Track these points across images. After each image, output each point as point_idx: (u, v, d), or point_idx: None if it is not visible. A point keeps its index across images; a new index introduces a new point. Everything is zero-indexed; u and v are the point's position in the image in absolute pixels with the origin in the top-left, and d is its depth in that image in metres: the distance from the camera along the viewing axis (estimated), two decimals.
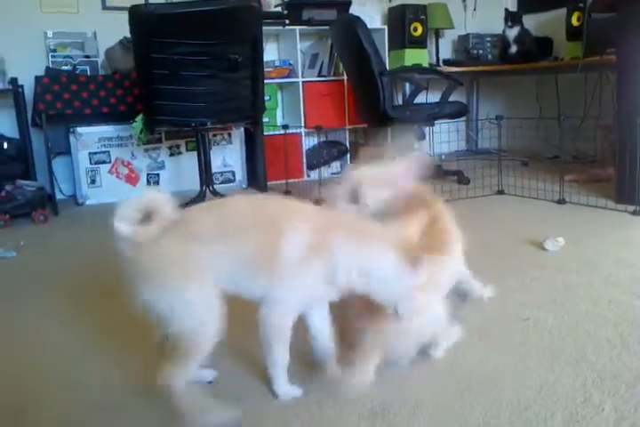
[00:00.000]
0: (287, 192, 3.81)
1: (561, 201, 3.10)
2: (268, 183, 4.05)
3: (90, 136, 3.77)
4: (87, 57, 3.87)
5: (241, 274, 1.18)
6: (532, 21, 4.75)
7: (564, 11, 4.32)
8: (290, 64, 4.33)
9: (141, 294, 1.14)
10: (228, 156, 4.17)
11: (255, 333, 1.24)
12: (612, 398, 1.22)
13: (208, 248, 1.15)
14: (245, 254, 1.17)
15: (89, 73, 3.82)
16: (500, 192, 3.48)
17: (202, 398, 1.18)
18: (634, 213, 2.80)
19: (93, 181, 3.82)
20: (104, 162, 3.84)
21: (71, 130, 3.72)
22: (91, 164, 3.80)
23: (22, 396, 1.37)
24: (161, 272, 1.13)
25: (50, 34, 3.80)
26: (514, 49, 4.59)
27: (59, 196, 3.78)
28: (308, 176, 4.39)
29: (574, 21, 4.18)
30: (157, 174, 3.98)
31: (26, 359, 1.58)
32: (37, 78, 3.46)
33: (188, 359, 1.15)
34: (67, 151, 3.82)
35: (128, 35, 3.14)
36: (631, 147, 2.85)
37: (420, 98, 4.27)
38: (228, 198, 1.28)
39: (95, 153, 3.81)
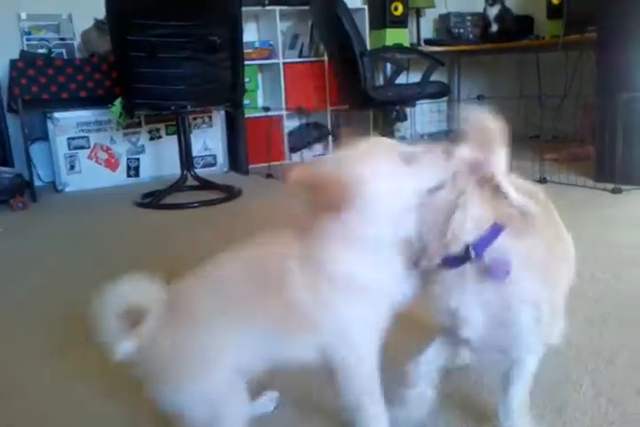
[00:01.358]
0: (269, 175, 3.80)
1: (541, 180, 3.12)
2: (250, 166, 4.03)
3: (68, 121, 3.71)
4: (63, 40, 3.79)
5: (276, 341, 0.98)
6: (512, 0, 4.73)
7: None
8: (270, 45, 4.28)
9: (160, 400, 0.99)
10: (209, 139, 4.13)
11: None
12: (589, 374, 1.24)
13: (217, 329, 0.97)
14: (266, 320, 0.97)
15: (65, 56, 3.75)
16: None
17: None
18: (613, 191, 2.82)
19: (72, 167, 3.78)
20: (83, 147, 3.79)
21: (48, 115, 3.66)
22: (69, 149, 3.75)
23: None
24: (170, 373, 0.97)
25: (24, 16, 3.72)
26: (494, 28, 4.57)
27: (37, 182, 3.73)
28: (290, 159, 4.37)
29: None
30: (137, 159, 3.94)
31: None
32: (12, 62, 3.39)
33: None
34: (44, 137, 3.76)
35: (101, 17, 3.08)
36: (610, 125, 2.86)
37: (402, 78, 4.25)
38: (214, 265, 1.05)
39: (74, 138, 3.75)
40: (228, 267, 1.03)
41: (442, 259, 0.93)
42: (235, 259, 1.03)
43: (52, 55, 3.66)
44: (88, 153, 3.80)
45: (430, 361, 1.06)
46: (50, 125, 3.67)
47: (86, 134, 3.78)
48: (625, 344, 1.35)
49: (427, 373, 1.05)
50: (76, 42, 3.82)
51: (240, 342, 0.97)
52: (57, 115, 3.67)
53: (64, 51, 3.76)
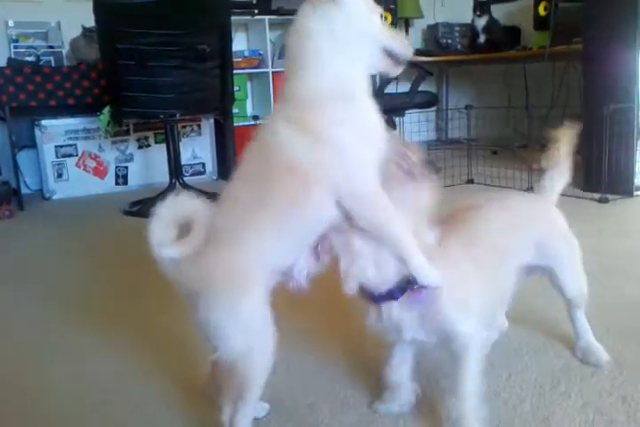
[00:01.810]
0: None
1: (529, 189, 3.13)
2: None
3: (55, 129, 3.69)
4: (51, 47, 3.78)
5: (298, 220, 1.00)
6: (500, 11, 4.78)
7: (531, 0, 4.35)
8: (259, 54, 4.30)
9: (195, 316, 1.00)
10: (198, 147, 4.13)
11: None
12: (578, 384, 1.24)
13: (251, 243, 1.00)
14: None
15: (53, 64, 3.73)
16: (470, 181, 3.51)
17: None
18: (600, 200, 2.84)
19: (60, 175, 3.76)
20: (71, 155, 3.77)
21: (36, 122, 3.64)
22: (57, 157, 3.73)
23: None
24: (209, 290, 0.98)
25: (11, 23, 3.70)
26: (482, 38, 4.62)
27: (24, 190, 3.70)
28: None
29: (541, 11, 4.21)
30: (126, 167, 3.93)
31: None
32: None
33: (245, 391, 1.01)
34: (32, 144, 3.74)
35: (90, 25, 3.08)
36: (597, 135, 2.89)
37: (390, 88, 4.27)
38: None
39: (61, 146, 3.74)
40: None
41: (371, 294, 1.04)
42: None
43: (41, 63, 3.65)
44: (76, 161, 3.79)
45: (400, 362, 1.17)
46: (37, 133, 3.66)
47: (74, 142, 3.76)
48: (611, 353, 1.36)
49: (400, 372, 1.17)
50: (65, 50, 3.81)
51: (274, 245, 1.00)
52: (45, 122, 3.65)
53: (52, 58, 3.74)
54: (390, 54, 1.12)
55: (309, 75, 1.03)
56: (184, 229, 1.00)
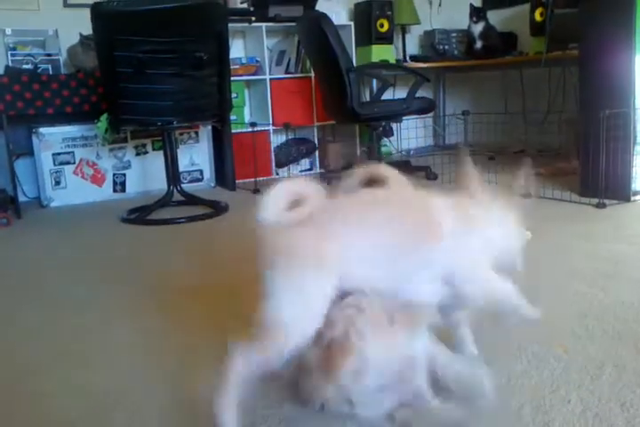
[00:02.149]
0: (256, 190, 3.80)
1: (526, 195, 3.13)
2: (237, 181, 4.03)
3: (53, 136, 3.70)
4: (49, 55, 3.78)
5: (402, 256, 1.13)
6: (496, 17, 4.80)
7: (527, 6, 4.38)
8: (257, 61, 4.31)
9: (265, 276, 1.09)
10: (196, 154, 4.13)
11: None
12: (577, 389, 1.24)
13: (343, 237, 1.10)
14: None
15: (51, 72, 3.73)
16: None
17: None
18: (597, 205, 2.85)
19: (58, 183, 3.76)
20: (68, 163, 3.77)
21: (34, 130, 3.64)
22: (55, 165, 3.73)
23: None
24: (284, 258, 1.08)
25: (8, 31, 3.71)
26: (479, 44, 4.64)
27: (21, 198, 3.69)
28: (277, 174, 4.37)
29: (537, 17, 4.24)
30: (124, 174, 3.93)
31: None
32: None
33: (270, 344, 1.05)
34: (29, 152, 3.74)
35: (86, 32, 3.08)
36: (594, 141, 2.90)
37: (388, 94, 4.28)
38: (381, 191, 1.25)
39: (59, 154, 3.74)
40: (380, 193, 1.24)
41: None
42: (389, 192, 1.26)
43: (38, 71, 3.66)
44: (74, 168, 3.79)
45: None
46: (35, 141, 3.66)
47: (72, 150, 3.76)
48: (610, 358, 1.36)
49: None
50: (62, 57, 3.82)
51: (362, 254, 1.11)
52: (42, 130, 3.66)
53: (50, 66, 3.75)
54: None
55: None
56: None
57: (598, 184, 2.88)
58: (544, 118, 4.34)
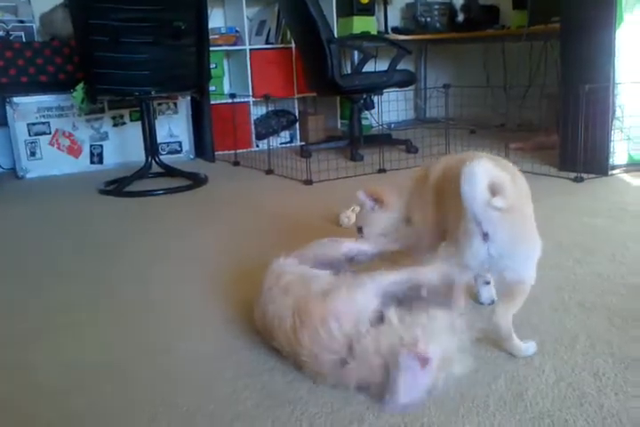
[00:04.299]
0: (236, 163, 3.77)
1: None
2: (216, 153, 3.99)
3: (27, 106, 3.61)
4: (21, 22, 3.68)
5: None
6: None
7: None
8: (236, 31, 4.23)
9: (492, 251, 1.24)
10: (175, 125, 4.07)
11: None
12: (551, 360, 1.27)
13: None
14: None
15: (24, 39, 3.64)
16: None
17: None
18: (575, 179, 2.87)
19: (33, 154, 3.69)
20: (44, 133, 3.70)
21: (7, 100, 3.55)
22: (30, 135, 3.66)
23: None
24: (516, 234, 1.26)
25: None
26: (461, 17, 4.60)
27: None
28: (257, 146, 4.34)
29: None
30: (101, 145, 3.87)
31: None
32: None
33: (517, 303, 1.30)
34: (3, 122, 3.65)
35: None
36: (573, 115, 2.91)
37: (369, 66, 4.24)
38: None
39: (34, 124, 3.66)
40: None
41: None
42: None
43: (11, 38, 3.55)
44: (49, 139, 3.72)
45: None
46: (9, 110, 3.57)
47: (47, 120, 3.69)
48: (584, 329, 1.38)
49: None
50: (35, 25, 3.71)
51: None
52: (16, 99, 3.57)
53: (23, 34, 3.65)
54: None
55: None
56: None
57: (577, 158, 2.90)
58: (525, 92, 4.34)
